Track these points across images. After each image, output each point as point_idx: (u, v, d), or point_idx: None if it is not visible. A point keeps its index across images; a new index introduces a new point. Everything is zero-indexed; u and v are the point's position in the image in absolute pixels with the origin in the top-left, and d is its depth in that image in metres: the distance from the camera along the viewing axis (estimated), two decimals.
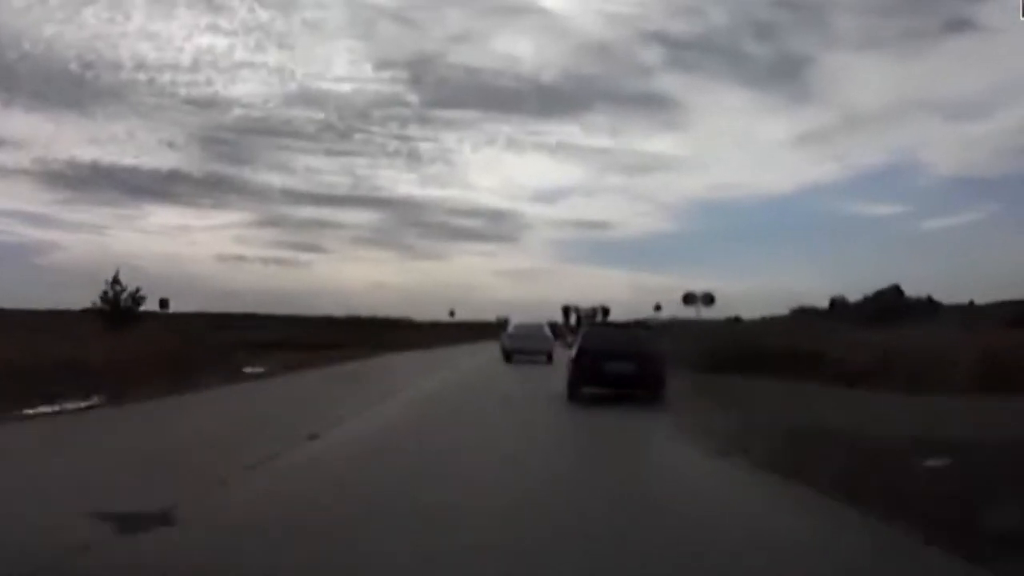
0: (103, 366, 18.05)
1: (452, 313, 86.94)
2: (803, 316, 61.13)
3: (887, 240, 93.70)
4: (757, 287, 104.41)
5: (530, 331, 36.15)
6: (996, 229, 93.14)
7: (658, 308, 61.59)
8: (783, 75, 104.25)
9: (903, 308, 58.13)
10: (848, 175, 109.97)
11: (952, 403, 15.55)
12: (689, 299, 47.74)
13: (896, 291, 65.06)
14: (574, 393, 17.39)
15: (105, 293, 36.73)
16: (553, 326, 46.19)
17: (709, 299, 47.81)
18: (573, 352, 18.31)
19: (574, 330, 42.74)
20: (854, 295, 67.00)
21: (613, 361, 17.03)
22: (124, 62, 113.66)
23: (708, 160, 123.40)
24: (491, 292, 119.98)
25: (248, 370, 24.22)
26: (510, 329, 37.34)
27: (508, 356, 34.41)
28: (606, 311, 78.44)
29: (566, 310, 74.94)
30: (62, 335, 23.69)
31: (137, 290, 37.41)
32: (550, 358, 33.52)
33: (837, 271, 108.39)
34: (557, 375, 21.65)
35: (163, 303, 47.31)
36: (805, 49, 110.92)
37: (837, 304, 67.35)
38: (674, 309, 53.09)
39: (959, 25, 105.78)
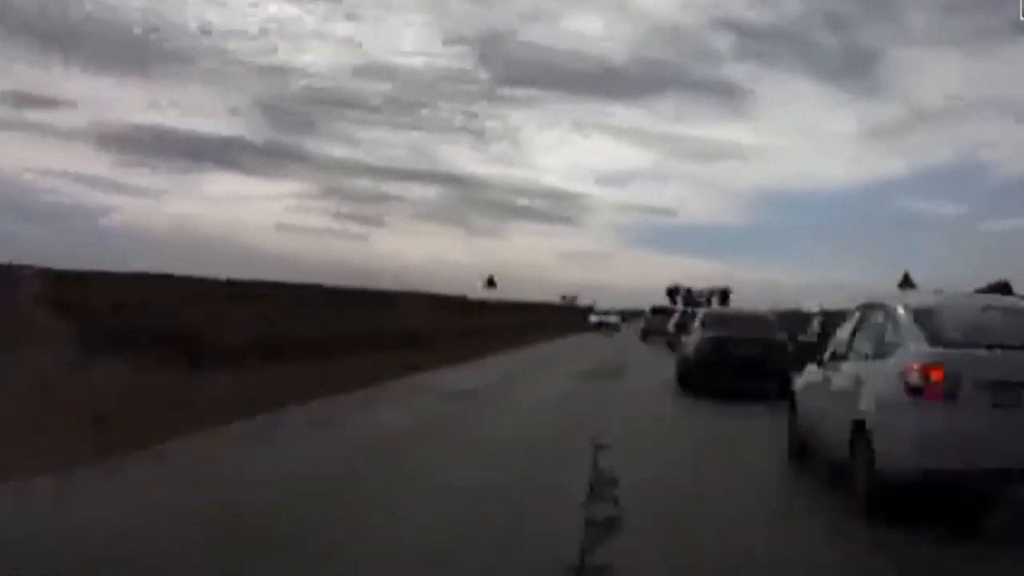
0: None
1: (492, 282, 58.38)
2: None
3: (955, 238, 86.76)
4: (819, 279, 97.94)
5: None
6: None
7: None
8: (853, 68, 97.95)
9: None
10: (915, 172, 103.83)
11: None
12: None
13: (1006, 288, 58.17)
14: None
15: None
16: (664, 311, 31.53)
17: None
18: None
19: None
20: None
21: None
22: (189, 27, 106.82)
23: (775, 150, 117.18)
24: (548, 272, 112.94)
25: None
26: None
27: None
28: (725, 294, 68.01)
29: (672, 292, 64.78)
30: None
31: None
32: None
33: (898, 266, 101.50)
34: None
35: None
36: (875, 43, 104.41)
37: None
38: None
39: None
